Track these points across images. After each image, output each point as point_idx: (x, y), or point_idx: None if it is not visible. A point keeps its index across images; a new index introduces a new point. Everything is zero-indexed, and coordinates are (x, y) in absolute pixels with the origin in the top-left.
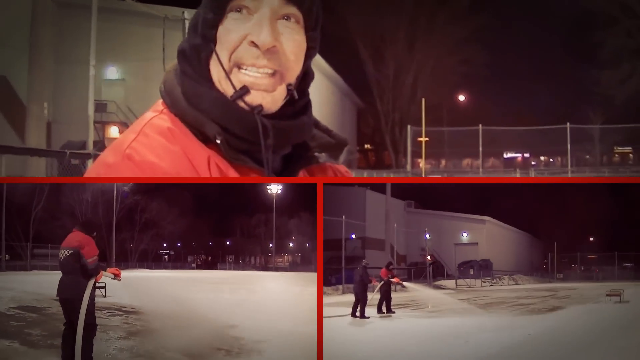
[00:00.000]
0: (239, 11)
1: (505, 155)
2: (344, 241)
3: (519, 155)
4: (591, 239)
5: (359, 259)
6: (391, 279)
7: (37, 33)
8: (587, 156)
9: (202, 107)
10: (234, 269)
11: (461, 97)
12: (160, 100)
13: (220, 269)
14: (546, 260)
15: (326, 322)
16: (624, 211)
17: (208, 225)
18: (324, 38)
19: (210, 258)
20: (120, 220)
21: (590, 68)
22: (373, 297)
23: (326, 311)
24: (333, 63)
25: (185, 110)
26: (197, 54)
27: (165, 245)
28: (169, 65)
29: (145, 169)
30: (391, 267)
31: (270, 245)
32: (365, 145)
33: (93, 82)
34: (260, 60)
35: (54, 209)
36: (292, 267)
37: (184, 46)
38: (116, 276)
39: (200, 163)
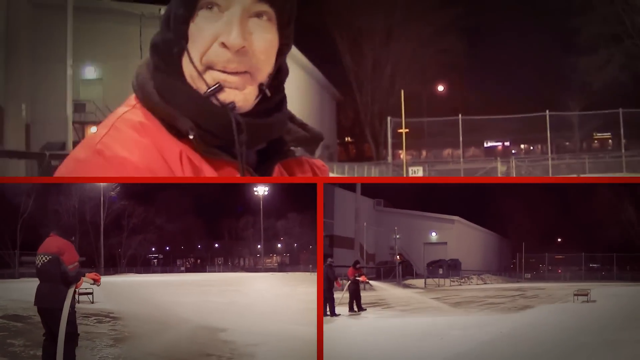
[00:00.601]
0: (209, 8)
1: (485, 144)
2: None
3: (500, 143)
4: (559, 239)
5: (326, 257)
6: (357, 278)
7: (13, 34)
8: (567, 143)
9: (175, 102)
10: (223, 271)
11: (440, 88)
12: (133, 95)
13: (209, 272)
14: (514, 260)
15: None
16: (591, 212)
17: (196, 229)
18: (301, 31)
19: (199, 261)
20: (108, 226)
21: (568, 55)
22: (343, 296)
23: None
24: (310, 56)
25: (158, 105)
26: (169, 49)
27: (153, 249)
28: (141, 61)
29: (115, 164)
30: (358, 265)
31: (259, 246)
32: (346, 138)
33: (71, 81)
34: (230, 63)
35: (41, 216)
36: (281, 267)
37: (156, 40)
38: (95, 281)
39: (172, 157)
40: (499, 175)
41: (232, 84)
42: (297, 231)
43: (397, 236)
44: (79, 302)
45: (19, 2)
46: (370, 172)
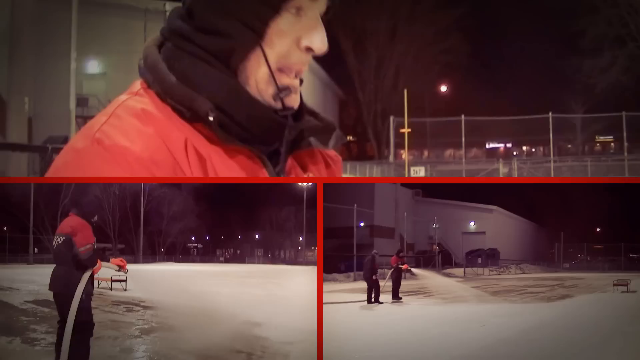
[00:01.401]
0: (293, 11)
1: (487, 146)
2: (355, 229)
3: (502, 145)
4: (597, 229)
5: (367, 246)
6: (400, 266)
7: (17, 27)
8: (569, 145)
9: (205, 89)
10: (263, 263)
11: (443, 88)
12: (138, 81)
13: (249, 263)
14: (552, 250)
15: (342, 307)
16: (630, 208)
17: (237, 219)
18: None
19: (238, 252)
20: (148, 214)
21: (572, 57)
22: (385, 284)
23: (340, 297)
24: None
25: (173, 86)
26: (227, 41)
27: (193, 238)
28: (148, 40)
29: (115, 153)
30: (401, 254)
31: (300, 238)
32: (348, 137)
33: (74, 76)
34: (305, 66)
35: (81, 202)
36: None
37: (200, 25)
38: (121, 268)
39: (176, 146)
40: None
41: (295, 87)
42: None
43: (436, 225)
44: (100, 287)
45: None
46: (372, 171)
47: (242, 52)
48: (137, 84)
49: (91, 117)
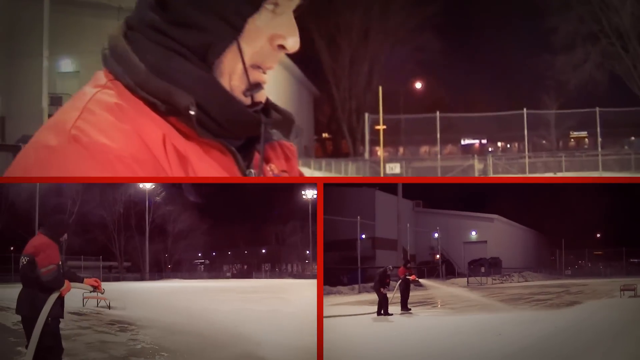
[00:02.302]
0: (269, 8)
1: (462, 142)
2: (359, 241)
3: (476, 141)
4: (598, 235)
5: (369, 259)
6: (408, 277)
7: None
8: (544, 141)
9: (181, 83)
10: (270, 277)
11: (418, 85)
12: (101, 72)
13: (256, 278)
14: (552, 257)
15: (349, 320)
16: (630, 209)
17: (243, 234)
18: None
19: (245, 267)
20: (153, 230)
21: (545, 53)
22: (394, 295)
23: (347, 310)
24: None
25: (148, 78)
26: (204, 36)
27: (200, 254)
28: (113, 30)
29: (95, 152)
30: (409, 265)
31: (307, 252)
32: (323, 134)
33: (47, 74)
34: (275, 63)
35: (86, 221)
36: None
37: (175, 17)
38: (96, 288)
39: (154, 142)
40: (476, 173)
41: (264, 83)
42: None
43: (437, 235)
44: (98, 305)
45: None
46: (348, 168)
47: (219, 47)
48: (102, 76)
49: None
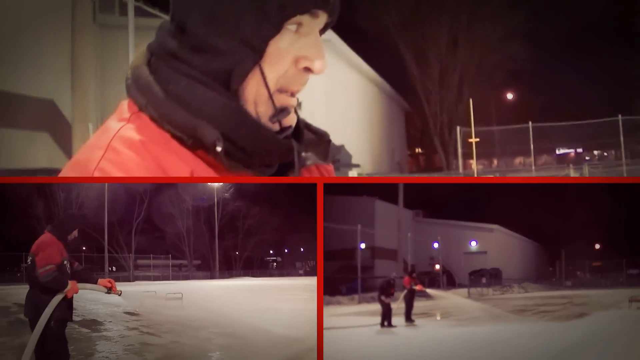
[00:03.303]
0: (291, 28)
1: (557, 152)
2: (359, 250)
3: (572, 150)
4: (597, 246)
5: (368, 269)
6: (414, 287)
7: (78, 55)
8: None
9: (205, 114)
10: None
11: (509, 95)
12: (125, 103)
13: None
14: (551, 268)
15: (350, 332)
16: (631, 214)
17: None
18: (366, 43)
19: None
20: (222, 228)
21: (638, 56)
22: (398, 306)
23: (348, 321)
24: (377, 67)
25: (172, 111)
26: (225, 61)
27: (271, 251)
28: (135, 58)
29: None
30: (414, 274)
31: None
32: (416, 149)
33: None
34: (303, 86)
35: (155, 220)
36: None
37: (194, 42)
38: (111, 290)
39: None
40: None
41: (293, 107)
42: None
43: (437, 246)
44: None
45: (85, 22)
46: None
47: (241, 72)
48: (125, 107)
49: None
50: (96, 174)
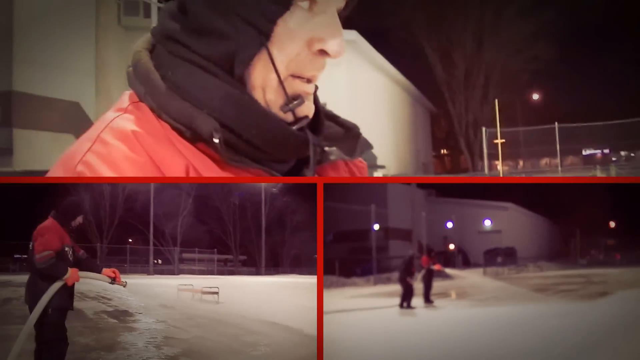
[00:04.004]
0: (302, 5)
1: (584, 152)
2: (373, 230)
3: (599, 151)
4: (612, 224)
5: (382, 249)
6: (432, 267)
7: (103, 57)
8: None
9: (206, 102)
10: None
11: (535, 96)
12: (127, 93)
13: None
14: (565, 247)
15: (370, 314)
16: None
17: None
18: (391, 45)
19: None
20: (270, 223)
21: None
22: (416, 286)
23: (366, 302)
24: (402, 69)
25: (168, 100)
26: (228, 44)
27: None
28: (137, 44)
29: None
30: (433, 253)
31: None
32: (441, 150)
33: None
34: (320, 71)
35: (201, 213)
36: None
37: (194, 25)
38: (114, 280)
39: (176, 174)
40: None
41: (308, 94)
42: None
43: (451, 225)
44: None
45: (109, 25)
46: None
47: (245, 56)
48: (126, 97)
49: None
50: (79, 168)
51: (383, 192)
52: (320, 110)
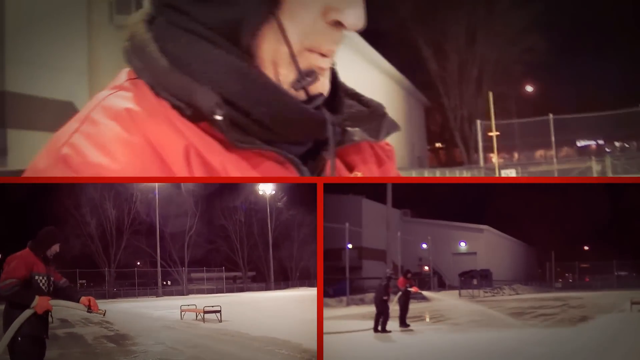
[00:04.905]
0: None
1: (578, 144)
2: (347, 250)
3: (593, 142)
4: (585, 247)
5: (355, 269)
6: (409, 289)
7: (96, 56)
8: None
9: (209, 76)
10: None
11: (529, 88)
12: (125, 71)
13: None
14: (539, 270)
15: (343, 338)
16: (619, 217)
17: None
18: (385, 39)
19: None
20: (277, 238)
21: None
22: (392, 308)
23: (339, 325)
24: (396, 63)
25: (167, 74)
26: (232, 10)
27: None
28: (133, 16)
29: (86, 174)
30: (409, 275)
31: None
32: (436, 144)
33: None
34: (337, 45)
35: (208, 232)
36: None
37: None
38: (90, 308)
39: (173, 156)
40: (594, 174)
41: (323, 70)
42: None
43: (426, 246)
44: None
45: (102, 23)
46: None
47: (252, 24)
48: (124, 74)
49: None
50: (64, 150)
51: (358, 209)
52: (339, 88)
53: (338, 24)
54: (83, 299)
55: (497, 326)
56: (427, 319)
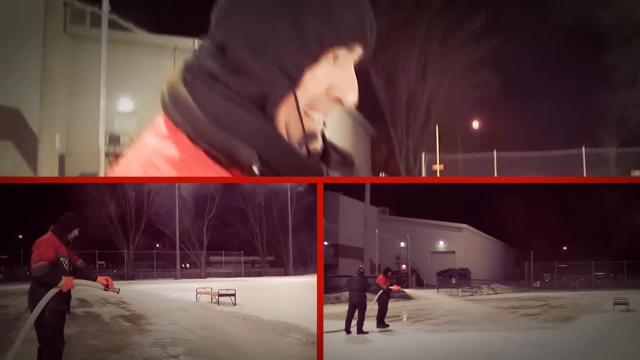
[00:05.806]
0: (329, 59)
1: None
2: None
3: None
4: (564, 248)
5: (331, 267)
6: (390, 287)
7: (48, 64)
8: None
9: (241, 134)
10: None
11: (475, 124)
12: (161, 120)
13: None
14: (518, 270)
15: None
16: (598, 219)
17: None
18: None
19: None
20: (296, 223)
21: (605, 90)
22: (370, 308)
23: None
24: None
25: (209, 130)
26: (262, 86)
27: None
28: (172, 75)
29: None
30: (390, 273)
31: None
32: (380, 174)
33: (104, 113)
34: (330, 112)
35: (227, 216)
36: None
37: (235, 66)
38: (107, 287)
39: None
40: None
41: (320, 132)
42: None
43: (403, 244)
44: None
45: (56, 32)
46: None
47: (276, 98)
48: (162, 123)
49: (122, 154)
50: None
51: (335, 206)
52: (327, 142)
53: (337, 100)
54: (100, 278)
55: (480, 325)
56: (408, 319)
